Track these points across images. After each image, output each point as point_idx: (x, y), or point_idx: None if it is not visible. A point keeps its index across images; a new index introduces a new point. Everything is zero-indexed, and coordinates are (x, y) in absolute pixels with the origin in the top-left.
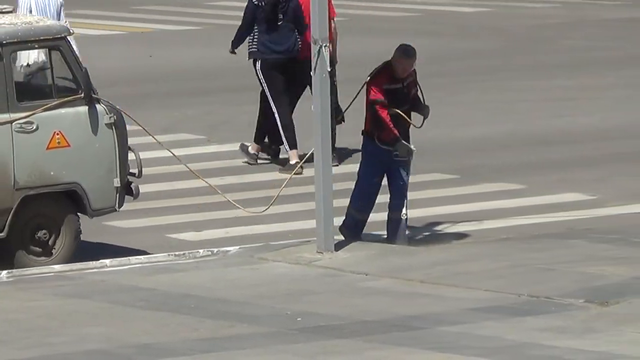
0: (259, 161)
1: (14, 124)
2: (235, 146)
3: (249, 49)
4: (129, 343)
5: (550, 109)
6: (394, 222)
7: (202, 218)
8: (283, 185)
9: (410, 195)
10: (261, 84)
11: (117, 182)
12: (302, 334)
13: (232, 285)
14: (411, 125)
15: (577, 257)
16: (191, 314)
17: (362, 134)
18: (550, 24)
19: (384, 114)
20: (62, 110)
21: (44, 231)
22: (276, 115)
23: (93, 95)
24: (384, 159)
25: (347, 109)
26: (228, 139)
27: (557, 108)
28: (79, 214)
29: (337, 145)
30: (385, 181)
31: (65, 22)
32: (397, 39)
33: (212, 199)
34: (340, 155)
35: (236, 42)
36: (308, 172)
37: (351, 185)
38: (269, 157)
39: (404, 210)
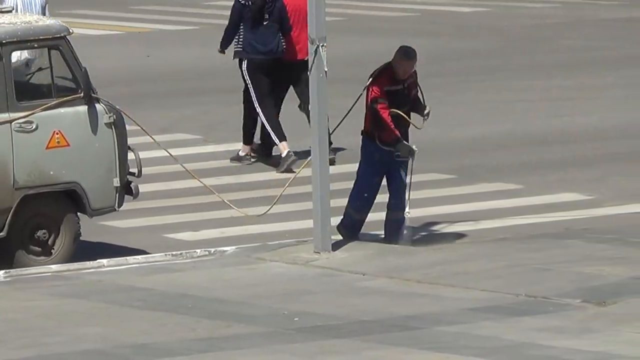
0: (252, 160)
1: (13, 123)
2: (233, 146)
3: (234, 49)
4: (126, 343)
5: (549, 109)
6: (393, 222)
7: (199, 218)
8: (286, 186)
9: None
10: (246, 83)
11: (116, 182)
12: (299, 334)
13: (230, 285)
14: (412, 126)
15: (574, 257)
16: (188, 313)
17: (362, 134)
18: (548, 23)
19: (385, 114)
20: (62, 110)
21: (43, 231)
22: (262, 116)
23: (93, 95)
24: (384, 160)
25: (348, 112)
26: (225, 139)
27: (555, 108)
28: (78, 213)
29: (336, 145)
30: (384, 181)
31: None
32: (395, 39)
33: (209, 199)
34: (338, 155)
35: (225, 43)
36: (305, 171)
37: (348, 185)
38: (257, 156)
39: (407, 209)
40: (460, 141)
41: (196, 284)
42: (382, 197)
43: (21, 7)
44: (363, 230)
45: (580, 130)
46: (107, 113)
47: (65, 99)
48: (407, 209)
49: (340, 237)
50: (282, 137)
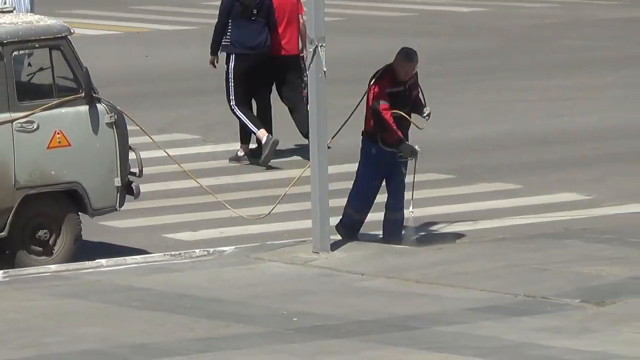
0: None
1: (14, 123)
2: (231, 146)
3: (222, 43)
4: (124, 343)
5: (548, 109)
6: (392, 222)
7: (198, 218)
8: (289, 187)
9: (407, 195)
10: (227, 76)
11: (117, 182)
12: (298, 334)
13: (228, 285)
14: (414, 127)
15: (573, 257)
16: (187, 313)
17: (362, 135)
18: (548, 23)
19: (388, 115)
20: (63, 110)
21: (44, 230)
22: (235, 109)
23: (94, 95)
24: (386, 161)
25: (350, 115)
26: (224, 139)
27: (555, 108)
28: (79, 213)
29: (336, 145)
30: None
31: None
32: (395, 39)
33: (208, 199)
34: (336, 155)
35: (216, 47)
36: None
37: (347, 185)
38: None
39: (410, 208)
40: (460, 141)
41: (195, 284)
42: (381, 197)
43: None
44: (362, 230)
45: (579, 130)
46: (108, 113)
47: (66, 98)
48: (410, 208)
49: (339, 237)
50: (258, 126)
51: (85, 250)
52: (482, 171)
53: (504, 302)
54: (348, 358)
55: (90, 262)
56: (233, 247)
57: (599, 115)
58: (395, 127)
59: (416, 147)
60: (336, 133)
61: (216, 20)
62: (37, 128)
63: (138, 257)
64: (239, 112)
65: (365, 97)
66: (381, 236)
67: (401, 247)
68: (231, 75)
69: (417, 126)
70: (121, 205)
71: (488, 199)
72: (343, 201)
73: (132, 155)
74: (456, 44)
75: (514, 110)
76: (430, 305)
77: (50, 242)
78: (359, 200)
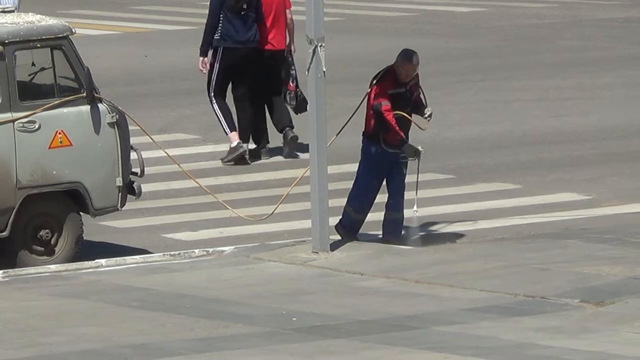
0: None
1: (16, 123)
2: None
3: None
4: (124, 343)
5: (547, 109)
6: (391, 222)
7: (197, 218)
8: (291, 187)
9: (406, 195)
10: (212, 68)
11: (119, 181)
12: (297, 334)
13: (228, 285)
14: (414, 128)
15: (572, 257)
16: (186, 314)
17: (363, 135)
18: (546, 23)
19: (390, 116)
20: (65, 110)
21: (46, 230)
22: (214, 105)
23: (95, 95)
24: (386, 161)
25: (350, 117)
26: (223, 139)
27: (553, 108)
28: (81, 213)
29: (335, 145)
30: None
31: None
32: (393, 39)
33: (208, 199)
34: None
35: (206, 47)
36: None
37: (347, 185)
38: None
39: (414, 207)
40: (459, 141)
41: (194, 284)
42: (381, 198)
43: None
44: (362, 230)
45: (578, 130)
46: (109, 113)
47: (68, 98)
48: (415, 207)
49: (338, 237)
50: (232, 127)
51: (85, 250)
52: (480, 171)
53: (503, 302)
54: (347, 358)
55: (89, 262)
56: (232, 247)
57: (598, 115)
58: (397, 128)
59: (419, 147)
60: (336, 135)
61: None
62: (39, 128)
63: (138, 257)
64: (215, 106)
65: (366, 98)
66: (381, 236)
67: (400, 247)
68: (217, 68)
69: (419, 127)
70: (123, 205)
71: (487, 199)
72: (343, 201)
73: (133, 155)
74: (454, 44)
75: (513, 110)
76: (430, 305)
77: (52, 242)
78: (359, 200)
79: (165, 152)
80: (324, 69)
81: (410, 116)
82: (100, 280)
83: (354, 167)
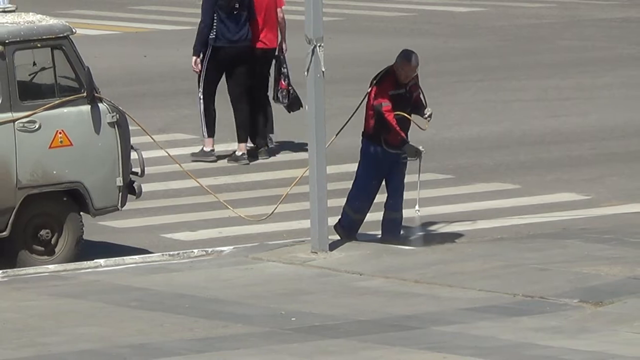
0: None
1: (16, 122)
2: (230, 146)
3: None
4: (123, 343)
5: (546, 109)
6: (390, 222)
7: (196, 218)
8: (290, 187)
9: (405, 195)
10: (202, 67)
11: (119, 181)
12: (296, 334)
13: (227, 285)
14: (415, 128)
15: (571, 257)
16: (185, 313)
17: (362, 136)
18: (545, 23)
19: (391, 117)
20: (65, 109)
21: (46, 230)
22: (200, 105)
23: (96, 94)
24: (386, 161)
25: (349, 118)
26: (222, 139)
27: (552, 108)
28: (81, 213)
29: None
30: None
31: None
32: (392, 39)
33: (207, 199)
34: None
35: (200, 46)
36: (302, 171)
37: (346, 185)
38: (264, 156)
39: (416, 207)
40: (457, 141)
41: (193, 284)
42: (380, 197)
43: None
44: (360, 230)
45: (577, 130)
46: (110, 112)
47: (68, 98)
48: (416, 207)
49: (337, 237)
50: (211, 133)
51: (84, 250)
52: (480, 171)
53: (502, 302)
54: (346, 358)
55: (88, 262)
56: (231, 247)
57: (597, 115)
58: (398, 129)
59: (420, 147)
60: (335, 136)
61: (200, 20)
62: (39, 128)
63: (136, 257)
64: (201, 107)
65: (365, 99)
66: (379, 236)
67: (399, 247)
68: (205, 67)
69: (420, 127)
70: (123, 204)
71: (486, 199)
72: (342, 201)
73: (133, 155)
74: (453, 44)
75: (512, 110)
76: (429, 305)
77: (52, 241)
78: (359, 200)
79: (167, 153)
80: (323, 69)
81: (410, 116)
82: (99, 280)
83: (353, 167)
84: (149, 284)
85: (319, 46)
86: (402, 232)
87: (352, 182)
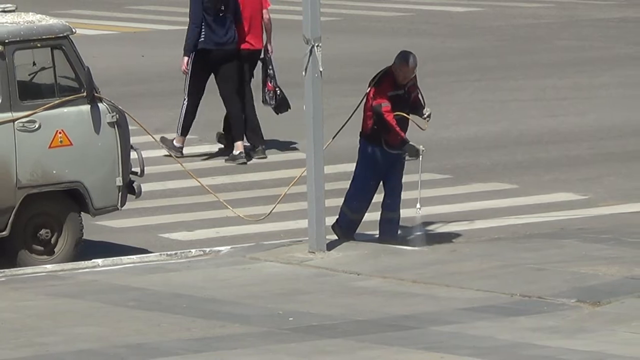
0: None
1: (16, 122)
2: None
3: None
4: (120, 343)
5: (543, 109)
6: (387, 222)
7: (194, 218)
8: (288, 187)
9: (405, 194)
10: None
11: (119, 181)
12: (294, 334)
13: (224, 285)
14: (413, 128)
15: (569, 257)
16: (183, 313)
17: (360, 136)
18: (542, 23)
19: (390, 117)
20: (65, 109)
21: (46, 230)
22: (184, 104)
23: (95, 94)
24: (384, 161)
25: (348, 119)
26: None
27: (550, 108)
28: (81, 212)
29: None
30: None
31: None
32: (390, 39)
33: (204, 199)
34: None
35: (191, 47)
36: (300, 172)
37: (343, 185)
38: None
39: (417, 206)
40: (455, 141)
41: (191, 284)
42: (377, 197)
43: None
44: (358, 230)
45: (575, 129)
46: (109, 112)
47: (68, 98)
48: (418, 206)
49: (335, 237)
50: (184, 132)
51: (82, 250)
52: (477, 171)
53: (500, 302)
54: (344, 358)
55: (86, 261)
56: (229, 247)
57: (595, 115)
58: (398, 129)
59: (421, 147)
60: (332, 138)
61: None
62: (39, 127)
63: (134, 257)
64: (184, 107)
65: (364, 100)
66: (377, 236)
67: (397, 247)
68: (190, 68)
69: (420, 127)
70: (123, 204)
71: (483, 199)
72: (339, 201)
73: (133, 155)
74: (450, 44)
75: (509, 110)
76: (426, 305)
77: (52, 241)
78: (357, 200)
79: (169, 153)
80: (321, 69)
81: (409, 116)
82: (97, 280)
83: (350, 167)
84: (147, 284)
85: (317, 46)
86: (399, 232)
87: (349, 182)
